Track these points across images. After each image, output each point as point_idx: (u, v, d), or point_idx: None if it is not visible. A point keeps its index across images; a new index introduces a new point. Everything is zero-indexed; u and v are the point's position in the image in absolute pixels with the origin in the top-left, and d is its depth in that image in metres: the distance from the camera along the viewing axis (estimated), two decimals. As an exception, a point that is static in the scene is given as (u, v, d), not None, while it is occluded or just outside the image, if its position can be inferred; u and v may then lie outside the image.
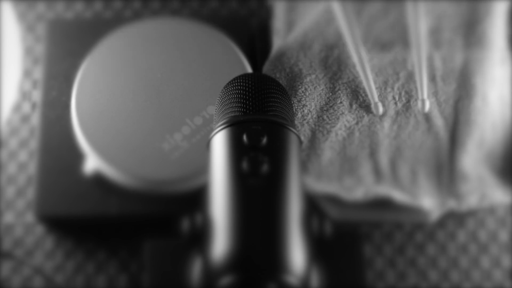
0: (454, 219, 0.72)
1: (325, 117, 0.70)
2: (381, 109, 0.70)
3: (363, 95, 0.71)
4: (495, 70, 0.73)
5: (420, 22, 0.72)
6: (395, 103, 0.71)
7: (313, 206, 0.69)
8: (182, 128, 0.68)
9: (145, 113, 0.69)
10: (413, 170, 0.69)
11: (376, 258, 0.71)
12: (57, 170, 0.70)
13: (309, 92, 0.71)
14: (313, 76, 0.71)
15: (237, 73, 0.60)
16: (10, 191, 0.73)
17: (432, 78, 0.72)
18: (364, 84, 0.70)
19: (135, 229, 0.70)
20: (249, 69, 0.71)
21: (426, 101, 0.70)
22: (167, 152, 0.67)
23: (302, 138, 0.67)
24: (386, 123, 0.70)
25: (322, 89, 0.71)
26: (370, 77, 0.70)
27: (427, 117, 0.70)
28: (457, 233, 0.72)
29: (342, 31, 0.71)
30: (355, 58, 0.71)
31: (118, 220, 0.69)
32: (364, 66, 0.70)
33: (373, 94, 0.70)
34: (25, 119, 0.75)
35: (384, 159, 0.69)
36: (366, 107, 0.70)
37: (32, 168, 0.73)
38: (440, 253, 0.71)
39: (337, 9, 0.72)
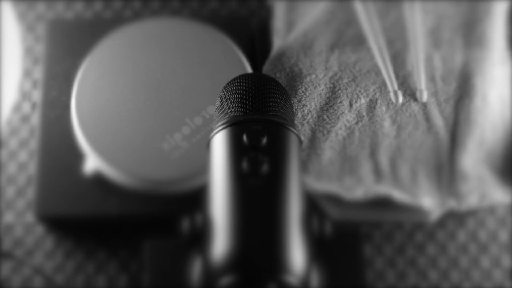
0: (454, 219, 0.72)
1: (325, 117, 0.70)
2: (400, 98, 0.70)
3: (364, 94, 0.71)
4: (495, 70, 0.73)
5: (417, 20, 0.72)
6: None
7: (313, 206, 0.69)
8: (182, 128, 0.68)
9: (145, 113, 0.69)
10: (413, 169, 0.69)
11: (376, 258, 0.71)
12: (57, 170, 0.70)
13: (309, 92, 0.71)
14: (313, 76, 0.71)
15: (237, 73, 0.60)
16: (10, 191, 0.73)
17: (432, 78, 0.72)
18: (383, 73, 0.71)
19: (135, 229, 0.70)
20: (249, 69, 0.71)
21: (423, 91, 0.70)
22: (167, 152, 0.67)
23: (302, 138, 0.67)
24: (386, 123, 0.70)
25: (322, 89, 0.71)
26: (390, 65, 0.71)
27: (427, 117, 0.71)
28: (457, 233, 0.72)
29: (361, 23, 0.71)
30: (374, 48, 0.71)
31: (118, 220, 0.69)
32: (384, 55, 0.70)
33: (393, 82, 0.70)
34: (25, 119, 0.75)
35: (384, 159, 0.69)
36: (369, 102, 0.70)
37: (32, 168, 0.73)
38: (440, 253, 0.71)
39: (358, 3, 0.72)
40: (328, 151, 0.69)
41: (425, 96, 0.70)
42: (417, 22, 0.72)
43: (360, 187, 0.67)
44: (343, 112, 0.70)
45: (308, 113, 0.70)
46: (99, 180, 0.69)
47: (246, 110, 0.56)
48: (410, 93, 0.71)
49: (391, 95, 0.70)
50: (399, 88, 0.71)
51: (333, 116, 0.70)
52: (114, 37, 0.72)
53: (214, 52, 0.71)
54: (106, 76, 0.70)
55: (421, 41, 0.72)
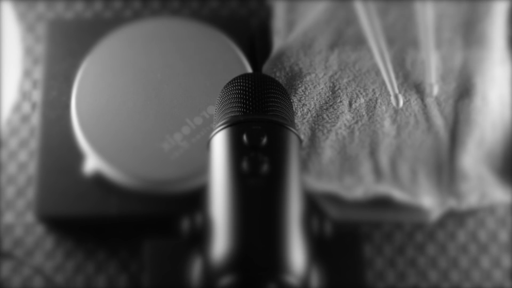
0: (454, 219, 0.72)
1: (325, 116, 0.70)
2: (401, 102, 0.70)
3: (363, 93, 0.71)
4: (495, 69, 0.73)
5: (428, 12, 0.74)
6: (395, 103, 0.71)
7: (313, 206, 0.69)
8: (182, 128, 0.68)
9: (145, 113, 0.69)
10: (413, 169, 0.69)
11: (376, 258, 0.71)
12: (57, 170, 0.70)
13: (309, 91, 0.71)
14: (313, 75, 0.71)
15: (237, 73, 0.60)
16: (10, 191, 0.73)
17: (432, 78, 0.72)
18: (384, 75, 0.71)
19: (135, 229, 0.70)
20: (249, 69, 0.71)
21: (434, 85, 0.71)
22: (167, 152, 0.67)
23: (302, 137, 0.67)
24: (386, 122, 0.70)
25: (322, 88, 0.71)
26: (391, 68, 0.71)
27: (427, 117, 0.71)
28: (457, 233, 0.72)
29: (362, 23, 0.72)
30: (374, 50, 0.71)
31: (118, 220, 0.69)
32: (384, 57, 0.71)
33: (394, 86, 0.70)
34: (25, 119, 0.75)
35: (384, 158, 0.69)
36: (369, 101, 0.70)
37: (32, 168, 0.73)
38: (440, 253, 0.71)
39: (359, 5, 0.73)
40: (328, 150, 0.69)
41: (435, 90, 0.71)
42: (428, 14, 0.72)
43: (360, 187, 0.67)
44: (343, 112, 0.70)
45: (307, 112, 0.70)
46: (99, 180, 0.69)
47: (246, 110, 0.56)
48: (417, 90, 0.71)
49: (392, 99, 0.70)
50: (400, 90, 0.71)
51: (333, 115, 0.70)
52: (114, 37, 0.72)
53: (214, 52, 0.71)
54: (106, 76, 0.70)
55: (431, 33, 0.72)
